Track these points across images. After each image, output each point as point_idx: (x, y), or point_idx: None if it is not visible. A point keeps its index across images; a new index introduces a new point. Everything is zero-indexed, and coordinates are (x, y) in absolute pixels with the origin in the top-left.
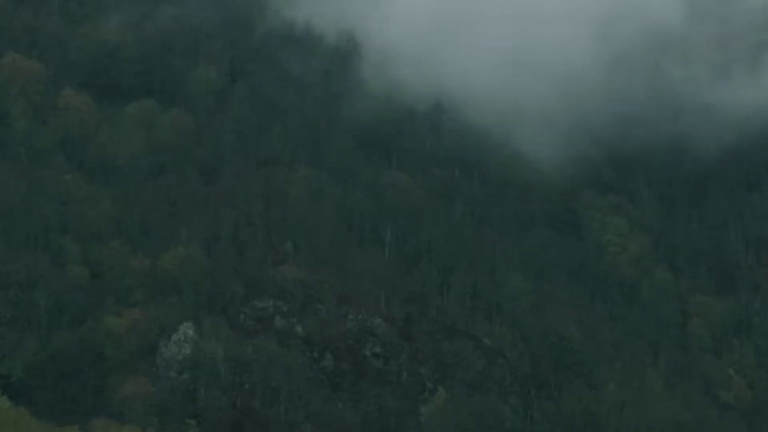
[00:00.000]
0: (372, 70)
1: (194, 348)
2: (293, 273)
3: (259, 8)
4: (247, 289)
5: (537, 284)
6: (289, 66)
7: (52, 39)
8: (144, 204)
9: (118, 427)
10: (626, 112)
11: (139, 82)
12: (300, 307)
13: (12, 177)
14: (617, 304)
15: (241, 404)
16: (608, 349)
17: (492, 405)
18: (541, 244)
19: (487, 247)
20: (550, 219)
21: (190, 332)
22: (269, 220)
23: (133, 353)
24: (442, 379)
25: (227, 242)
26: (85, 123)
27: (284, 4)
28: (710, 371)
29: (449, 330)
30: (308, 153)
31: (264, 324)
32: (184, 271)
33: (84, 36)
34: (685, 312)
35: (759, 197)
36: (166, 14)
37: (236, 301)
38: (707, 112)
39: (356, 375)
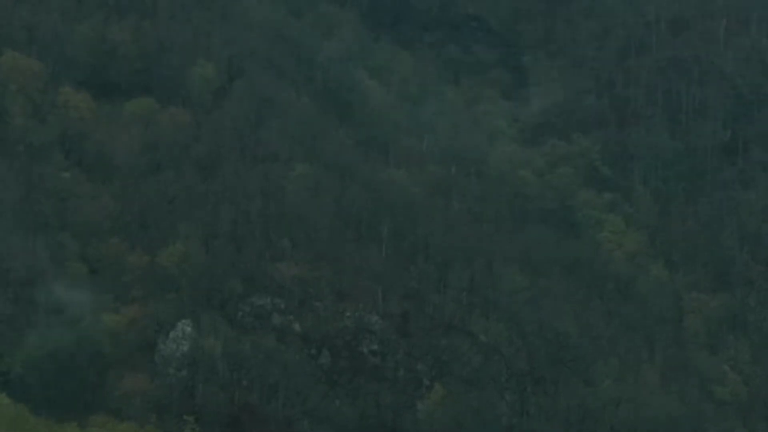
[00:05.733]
0: None
1: (192, 344)
2: (291, 270)
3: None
4: (245, 286)
5: (533, 280)
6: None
7: (51, 36)
8: (142, 201)
9: (117, 424)
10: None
11: (138, 79)
12: (297, 303)
13: (11, 174)
14: (613, 301)
15: (239, 400)
16: (604, 345)
17: (488, 401)
18: (538, 240)
19: (484, 244)
20: (546, 216)
21: (189, 329)
22: (267, 217)
23: (131, 350)
24: (439, 375)
25: (225, 239)
26: (84, 120)
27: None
28: (706, 367)
29: (446, 326)
30: (306, 150)
31: (262, 321)
32: (182, 267)
33: (83, 34)
34: (680, 308)
35: (754, 194)
36: (164, 12)
37: (234, 297)
38: None
39: (353, 371)
